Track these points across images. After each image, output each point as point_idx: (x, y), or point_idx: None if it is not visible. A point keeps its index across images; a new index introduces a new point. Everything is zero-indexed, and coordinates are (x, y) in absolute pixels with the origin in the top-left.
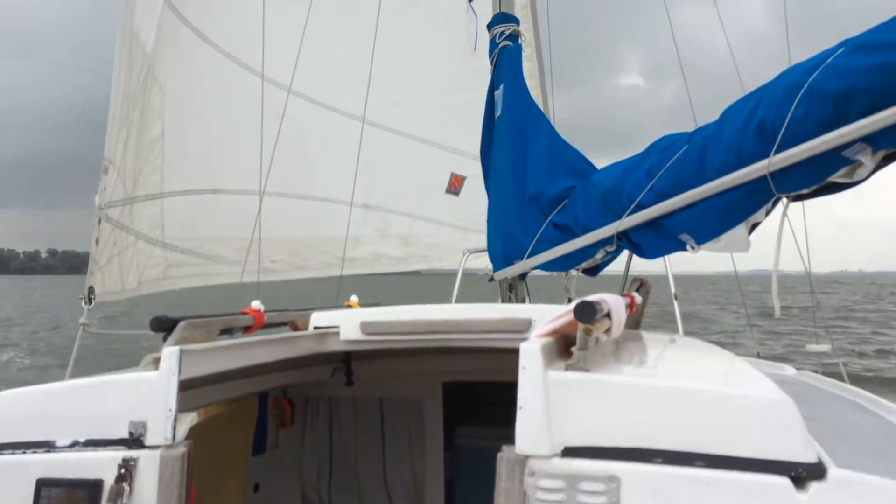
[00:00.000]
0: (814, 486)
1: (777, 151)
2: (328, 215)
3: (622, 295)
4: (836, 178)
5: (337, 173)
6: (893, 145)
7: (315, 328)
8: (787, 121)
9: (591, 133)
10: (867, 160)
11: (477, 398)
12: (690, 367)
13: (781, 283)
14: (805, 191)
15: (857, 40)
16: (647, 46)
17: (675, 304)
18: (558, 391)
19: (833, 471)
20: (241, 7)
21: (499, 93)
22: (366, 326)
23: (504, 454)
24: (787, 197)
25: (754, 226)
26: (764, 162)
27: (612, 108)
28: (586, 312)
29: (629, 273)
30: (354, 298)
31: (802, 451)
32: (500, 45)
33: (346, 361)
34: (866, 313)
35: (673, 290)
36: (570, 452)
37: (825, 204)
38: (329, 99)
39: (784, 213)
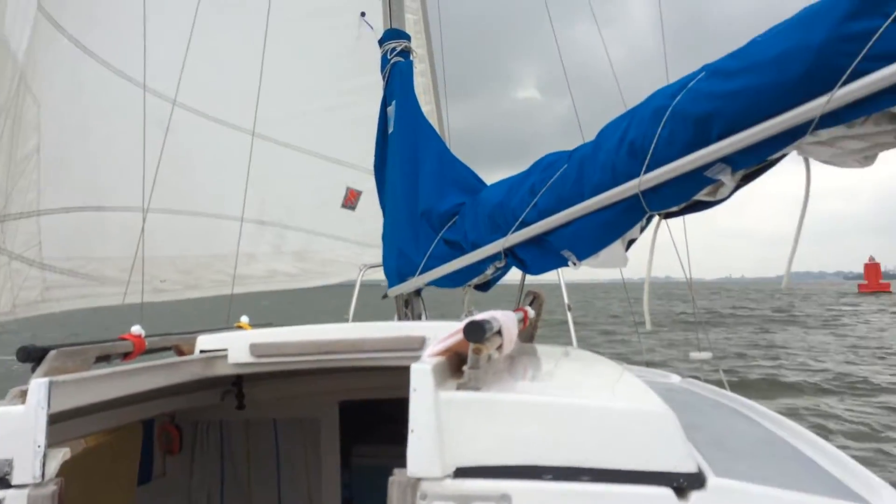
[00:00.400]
0: (694, 496)
1: (647, 171)
2: (220, 232)
3: (515, 309)
4: (701, 196)
5: (228, 188)
6: (749, 165)
7: (201, 351)
8: (654, 142)
9: (491, 144)
10: (727, 180)
11: (375, 416)
12: (578, 381)
13: (673, 290)
14: (674, 208)
15: (714, 66)
16: (544, 61)
17: (569, 315)
18: (449, 411)
19: (712, 480)
20: (123, 16)
21: (391, 109)
22: (255, 349)
23: (395, 478)
24: (659, 214)
25: (630, 242)
26: (635, 181)
27: (511, 120)
28: (475, 332)
29: (524, 285)
30: (245, 319)
31: (683, 462)
32: (392, 61)
33: (237, 384)
34: (747, 316)
35: (566, 301)
36: (462, 473)
37: (709, 214)
38: (219, 112)
39: (655, 231)
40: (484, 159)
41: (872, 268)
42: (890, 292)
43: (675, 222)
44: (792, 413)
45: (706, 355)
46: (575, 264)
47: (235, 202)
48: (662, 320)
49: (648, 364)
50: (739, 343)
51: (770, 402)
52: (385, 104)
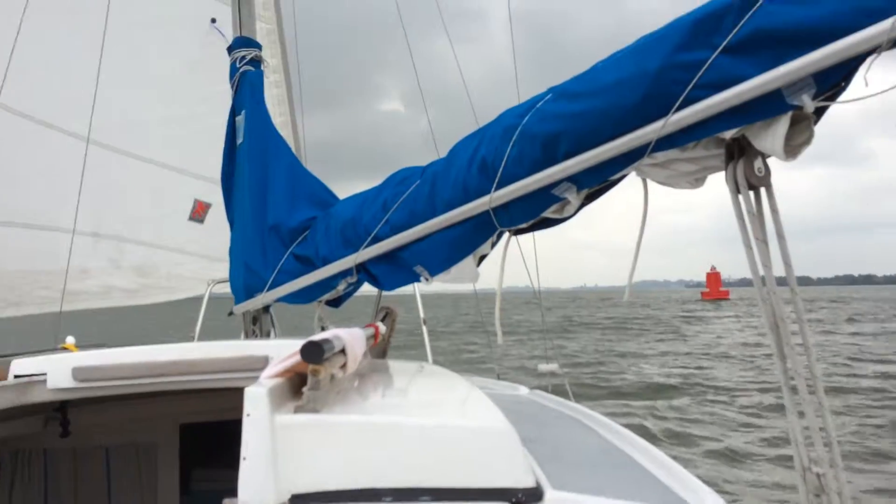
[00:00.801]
0: None
1: (497, 188)
2: (49, 245)
3: (366, 325)
4: (548, 213)
5: (60, 199)
6: (593, 184)
7: (15, 377)
8: (504, 160)
9: (355, 156)
10: (573, 198)
11: (218, 439)
12: (422, 399)
13: (532, 298)
14: (523, 225)
15: (560, 88)
16: (408, 74)
17: (424, 329)
18: (286, 436)
19: (549, 493)
20: None
21: (240, 119)
22: (78, 372)
23: None
24: (509, 231)
25: (482, 257)
26: (486, 198)
27: (376, 132)
28: (313, 352)
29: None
30: (70, 340)
31: (522, 477)
32: (241, 70)
33: (62, 410)
34: (595, 324)
35: (422, 315)
36: (298, 500)
37: (564, 227)
38: (51, 117)
39: (506, 247)
40: (347, 171)
41: (713, 277)
42: (729, 299)
43: (525, 240)
44: (643, 415)
45: (553, 367)
46: (427, 280)
47: (67, 214)
48: (520, 329)
49: (500, 377)
50: (590, 351)
51: (617, 408)
52: (234, 114)
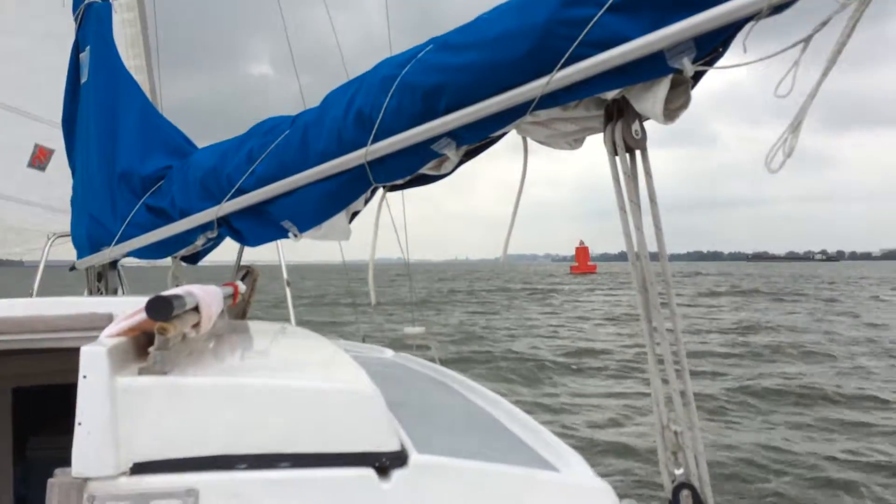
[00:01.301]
0: (396, 474)
1: (374, 141)
2: None
3: (225, 284)
4: (426, 169)
5: None
6: (473, 141)
7: None
8: (382, 111)
9: (222, 119)
10: (452, 154)
11: (55, 403)
12: (283, 361)
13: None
14: (400, 181)
15: (442, 39)
16: (278, 38)
17: (288, 291)
18: (128, 399)
19: (414, 456)
20: None
21: (84, 55)
22: None
23: (56, 479)
24: (384, 186)
25: (354, 214)
26: (362, 151)
27: (244, 94)
28: (160, 309)
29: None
30: None
31: (386, 441)
32: (87, 2)
33: None
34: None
35: (285, 276)
36: (141, 469)
37: (437, 198)
38: None
39: (381, 202)
40: (213, 136)
41: (582, 251)
42: (596, 273)
43: (396, 202)
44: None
45: (419, 330)
46: (296, 236)
47: None
48: (394, 298)
49: (365, 339)
50: (463, 321)
51: (488, 375)
52: (77, 50)
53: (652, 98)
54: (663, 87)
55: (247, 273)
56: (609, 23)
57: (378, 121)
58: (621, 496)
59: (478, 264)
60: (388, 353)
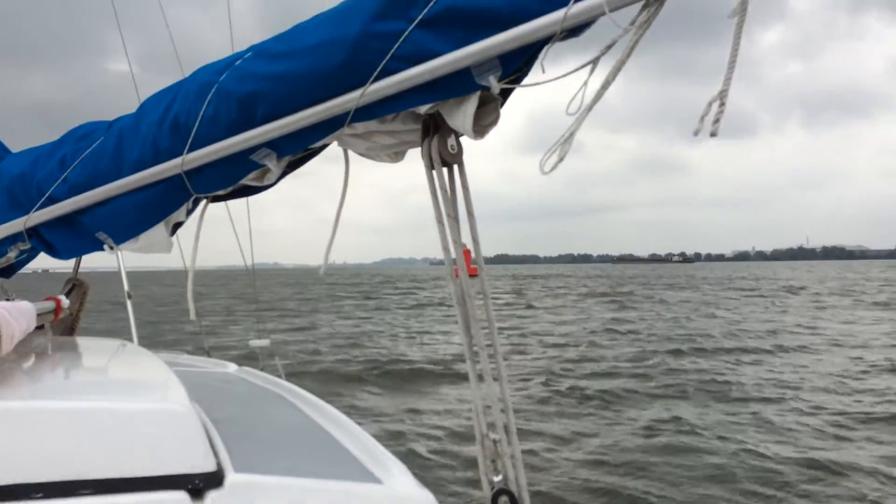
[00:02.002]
0: (211, 495)
1: (190, 150)
2: None
3: (46, 298)
4: (248, 180)
5: None
6: (293, 152)
7: None
8: (198, 119)
9: (82, 117)
10: (273, 165)
11: None
12: (96, 380)
13: (279, 276)
14: (222, 192)
15: (260, 46)
16: (140, 34)
17: (129, 304)
18: None
19: (231, 476)
20: None
21: None
22: None
23: None
24: (206, 197)
25: (176, 225)
26: (178, 160)
27: (105, 92)
28: None
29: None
30: None
31: (201, 461)
32: None
33: None
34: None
35: (126, 287)
36: None
37: (313, 203)
38: None
39: (202, 215)
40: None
41: (465, 254)
42: (478, 276)
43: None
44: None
45: (264, 342)
46: (112, 248)
47: None
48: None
49: (210, 353)
50: (315, 333)
51: (342, 389)
52: None
53: (462, 114)
54: (472, 103)
55: (74, 286)
56: (419, 38)
57: (194, 129)
58: None
59: (355, 268)
60: (231, 368)
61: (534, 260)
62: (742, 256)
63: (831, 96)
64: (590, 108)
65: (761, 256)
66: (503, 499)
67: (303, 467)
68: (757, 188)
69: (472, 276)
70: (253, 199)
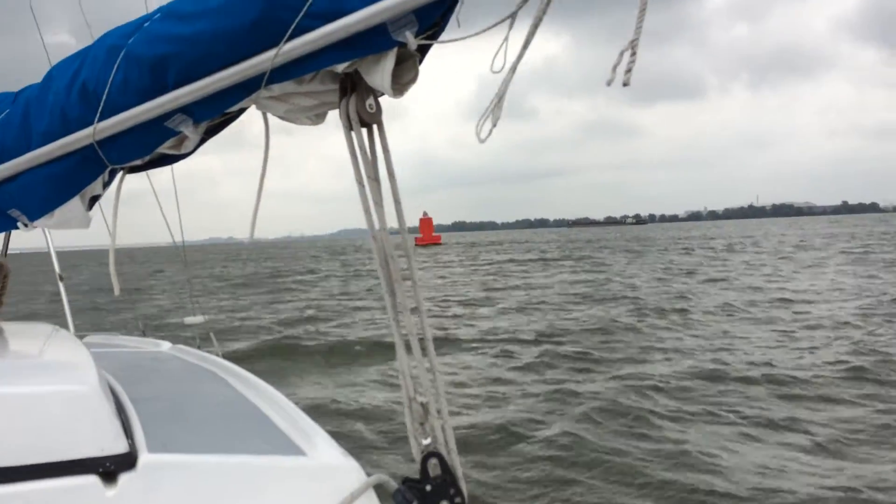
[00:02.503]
0: (123, 478)
1: (101, 119)
2: None
3: None
4: (165, 149)
5: None
6: (209, 117)
7: None
8: (108, 86)
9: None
10: (190, 132)
11: None
12: (2, 364)
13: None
14: (138, 161)
15: (169, 7)
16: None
17: (61, 286)
18: None
19: (144, 457)
20: None
21: None
22: None
23: None
24: (123, 168)
25: (94, 199)
26: (89, 129)
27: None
28: None
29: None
30: None
31: (111, 444)
32: None
33: None
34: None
35: (57, 270)
36: None
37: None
38: None
39: (119, 186)
40: None
41: (426, 222)
42: (441, 243)
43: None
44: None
45: (199, 319)
46: (26, 225)
47: None
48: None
49: (146, 333)
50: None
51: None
52: None
53: (380, 72)
54: (389, 60)
55: None
56: None
57: (104, 96)
58: (370, 473)
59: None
60: (164, 346)
61: (491, 226)
62: (695, 216)
63: (776, 58)
64: (513, 68)
65: (713, 216)
66: (432, 461)
67: (224, 444)
68: (707, 149)
69: (436, 243)
70: (204, 171)
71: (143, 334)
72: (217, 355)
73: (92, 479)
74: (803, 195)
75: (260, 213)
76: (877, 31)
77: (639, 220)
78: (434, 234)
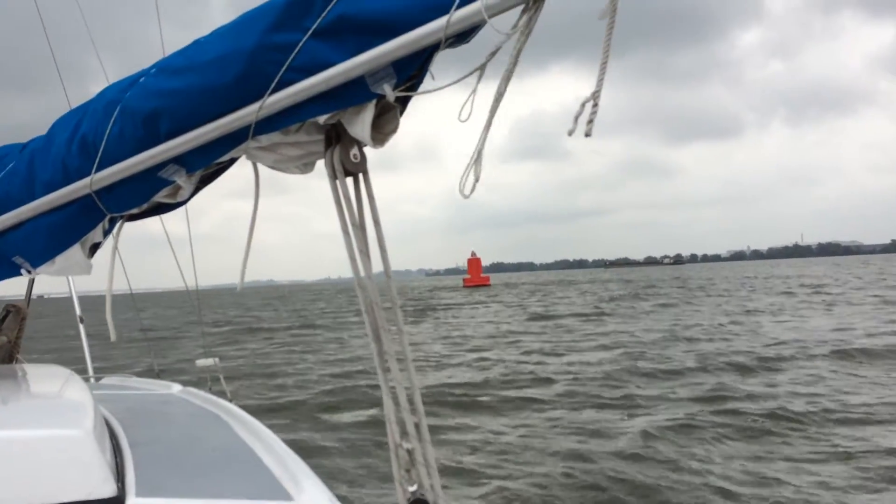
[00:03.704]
0: None
1: (98, 169)
2: None
3: None
4: (161, 198)
5: None
6: (201, 167)
7: None
8: (105, 138)
9: None
10: (183, 182)
11: None
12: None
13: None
14: (135, 210)
15: (163, 63)
16: (118, 54)
17: (81, 328)
18: None
19: (131, 501)
20: None
21: None
22: None
23: None
24: (121, 216)
25: (94, 247)
26: (87, 180)
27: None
28: None
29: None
30: None
31: (99, 488)
32: None
33: None
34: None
35: (78, 312)
36: None
37: (306, 218)
38: None
39: (117, 234)
40: None
41: (474, 262)
42: (489, 285)
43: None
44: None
45: (210, 362)
46: (30, 272)
47: None
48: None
49: (160, 375)
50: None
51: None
52: None
53: (361, 123)
54: (369, 112)
55: (8, 313)
56: (314, 49)
57: (102, 148)
58: None
59: (347, 282)
60: (175, 389)
61: (529, 267)
62: (738, 256)
63: (813, 93)
64: (488, 123)
65: (757, 255)
66: None
67: (213, 488)
68: (747, 187)
69: (485, 285)
70: (245, 214)
71: (157, 376)
72: (226, 398)
73: None
74: (849, 233)
75: (299, 255)
76: None
77: (675, 261)
78: (482, 275)
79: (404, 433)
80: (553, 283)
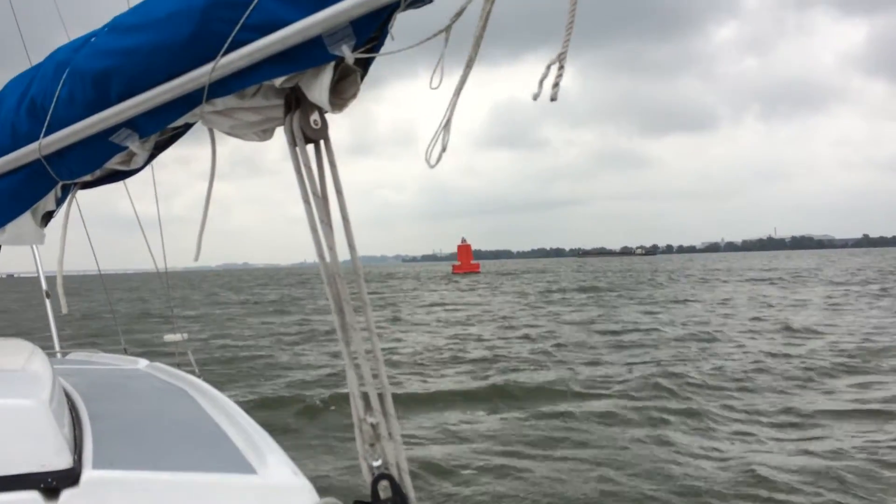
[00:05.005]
0: (66, 494)
1: (47, 133)
2: None
3: None
4: (114, 164)
5: None
6: (154, 131)
7: None
8: (54, 101)
9: None
10: (137, 148)
11: None
12: None
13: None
14: (88, 177)
15: (115, 21)
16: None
17: (48, 303)
18: None
19: (88, 473)
20: None
21: None
22: None
23: None
24: (74, 184)
25: (47, 215)
26: (35, 144)
27: None
28: None
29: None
30: None
31: (54, 460)
32: None
33: None
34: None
35: (44, 287)
36: None
37: (281, 202)
38: None
39: (69, 202)
40: None
41: (464, 249)
42: (478, 272)
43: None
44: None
45: (178, 337)
46: None
47: None
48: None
49: (127, 350)
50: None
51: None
52: None
53: (319, 86)
54: (327, 74)
55: None
56: (269, 6)
57: (50, 111)
58: (322, 493)
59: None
60: (141, 364)
61: (507, 255)
62: (712, 248)
63: (786, 90)
64: (458, 90)
65: (731, 247)
66: (383, 483)
67: (173, 461)
68: (721, 180)
69: (475, 272)
70: (220, 197)
71: (125, 352)
72: (194, 373)
73: (33, 495)
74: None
75: (274, 239)
76: (884, 65)
77: (647, 251)
78: (473, 261)
79: (368, 407)
80: (533, 272)
